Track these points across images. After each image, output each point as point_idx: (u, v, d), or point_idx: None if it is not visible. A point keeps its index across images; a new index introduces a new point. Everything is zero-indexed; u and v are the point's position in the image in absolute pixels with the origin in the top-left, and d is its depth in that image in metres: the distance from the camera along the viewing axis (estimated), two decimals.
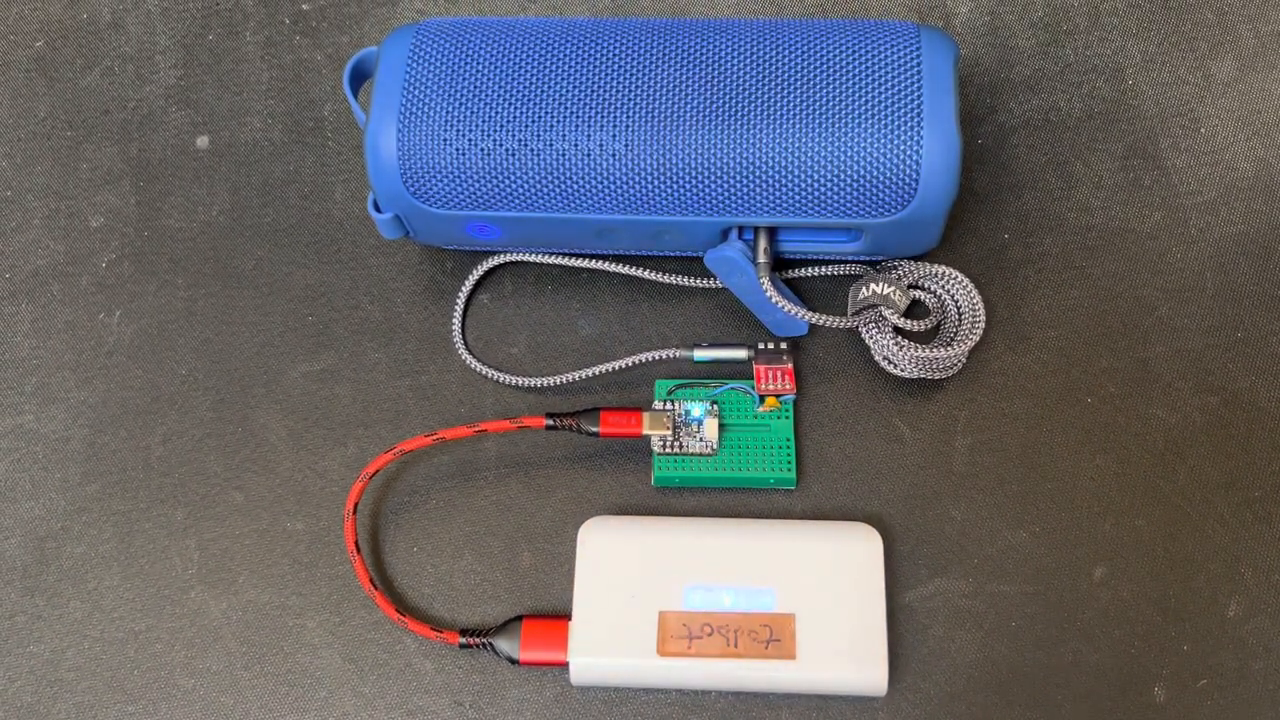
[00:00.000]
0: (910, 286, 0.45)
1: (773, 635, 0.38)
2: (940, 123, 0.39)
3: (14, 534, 0.43)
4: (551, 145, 0.40)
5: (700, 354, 0.44)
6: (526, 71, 0.40)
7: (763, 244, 0.42)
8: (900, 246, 0.43)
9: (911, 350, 0.43)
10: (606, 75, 0.40)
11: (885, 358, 0.44)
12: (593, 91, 0.40)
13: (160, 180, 0.49)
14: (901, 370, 0.43)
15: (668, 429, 0.42)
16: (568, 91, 0.40)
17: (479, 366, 0.45)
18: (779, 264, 0.46)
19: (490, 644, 0.40)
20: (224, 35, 0.52)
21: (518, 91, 0.40)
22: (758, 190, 0.40)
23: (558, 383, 0.44)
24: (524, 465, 0.43)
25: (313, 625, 0.41)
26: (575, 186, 0.41)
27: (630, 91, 0.40)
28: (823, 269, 0.45)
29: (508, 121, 0.40)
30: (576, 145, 0.40)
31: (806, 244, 0.44)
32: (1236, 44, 0.50)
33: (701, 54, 0.40)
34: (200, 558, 0.42)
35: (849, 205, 0.40)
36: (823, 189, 0.40)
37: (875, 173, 0.39)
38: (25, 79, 0.51)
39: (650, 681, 0.39)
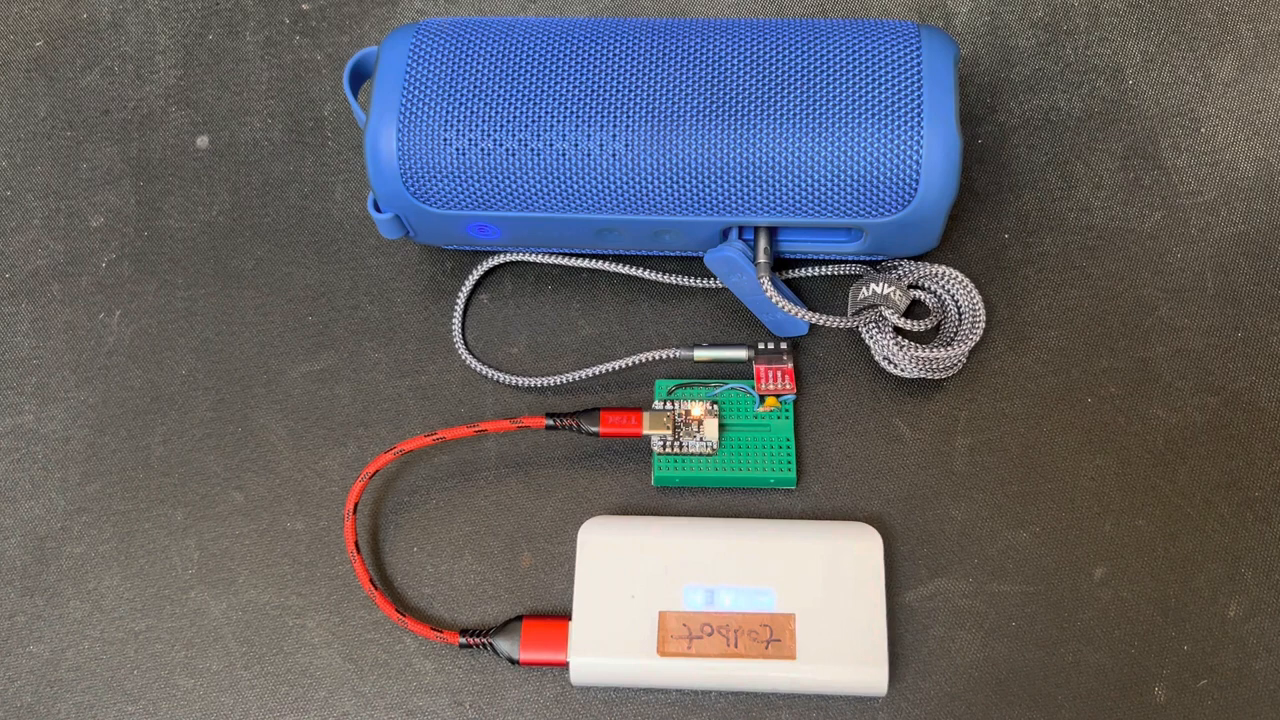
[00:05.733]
0: (910, 286, 0.45)
1: (773, 635, 0.38)
2: (940, 122, 0.39)
3: (14, 534, 0.43)
4: (551, 145, 0.40)
5: (700, 354, 0.44)
6: (526, 71, 0.40)
7: (763, 244, 0.42)
8: (900, 246, 0.43)
9: (911, 350, 0.43)
10: (606, 75, 0.40)
11: (885, 358, 0.44)
12: (593, 91, 0.40)
13: (160, 180, 0.49)
14: (901, 370, 0.43)
15: (668, 429, 0.42)
16: (568, 91, 0.40)
17: (479, 366, 0.45)
18: (779, 264, 0.46)
19: (490, 644, 0.40)
20: (224, 35, 0.52)
21: (518, 91, 0.40)
22: (758, 190, 0.40)
23: (558, 383, 0.44)
24: (524, 465, 0.43)
25: (313, 625, 0.41)
26: (575, 186, 0.41)
27: (630, 91, 0.40)
28: (823, 269, 0.45)
29: (508, 121, 0.40)
30: (576, 145, 0.40)
31: (806, 244, 0.44)
32: (1236, 44, 0.50)
33: (701, 54, 0.40)
34: (200, 558, 0.42)
35: (849, 205, 0.40)
36: (823, 189, 0.40)
37: (875, 172, 0.39)
38: (25, 79, 0.51)
39: (650, 681, 0.39)
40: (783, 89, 0.40)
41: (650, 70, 0.40)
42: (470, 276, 0.46)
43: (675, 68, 0.40)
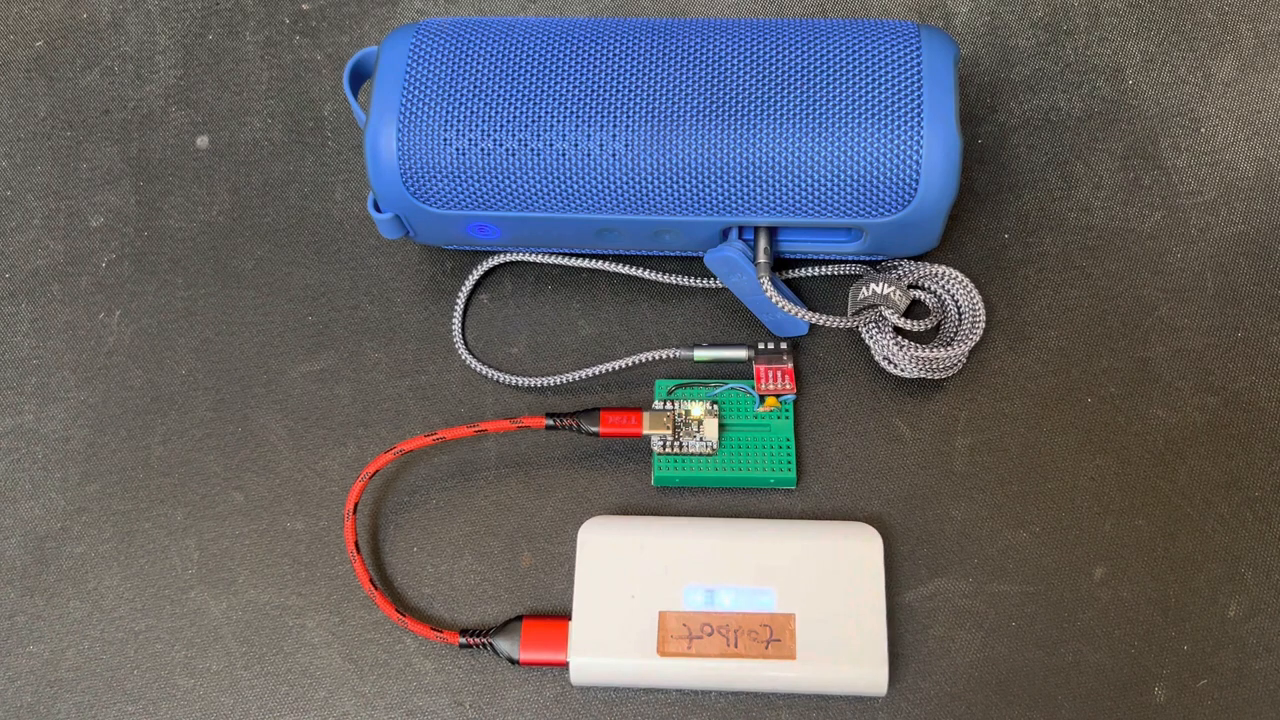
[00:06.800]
0: (910, 286, 0.45)
1: (773, 635, 0.38)
2: (940, 122, 0.39)
3: (14, 534, 0.43)
4: (551, 145, 0.40)
5: (700, 354, 0.44)
6: (526, 71, 0.40)
7: (763, 244, 0.42)
8: (900, 246, 0.43)
9: (911, 350, 0.43)
10: (606, 75, 0.40)
11: (885, 358, 0.44)
12: (593, 91, 0.40)
13: (160, 180, 0.49)
14: (901, 370, 0.43)
15: (668, 429, 0.42)
16: (568, 91, 0.40)
17: (479, 366, 0.45)
18: (779, 264, 0.46)
19: (490, 644, 0.40)
20: (224, 35, 0.52)
21: (518, 91, 0.40)
22: (758, 190, 0.40)
23: (558, 383, 0.44)
24: (524, 465, 0.43)
25: (313, 625, 0.41)
26: (575, 186, 0.41)
27: (630, 91, 0.40)
28: (823, 269, 0.45)
29: (508, 121, 0.40)
30: (576, 145, 0.40)
31: (806, 244, 0.44)
32: (1236, 44, 0.50)
33: (701, 54, 0.40)
34: (200, 558, 0.42)
35: (849, 205, 0.40)
36: (823, 189, 0.40)
37: (875, 172, 0.39)
38: (25, 79, 0.51)
39: (650, 681, 0.39)
40: (783, 89, 0.40)
41: (650, 70, 0.40)
42: (470, 276, 0.46)
43: (675, 68, 0.40)
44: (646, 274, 0.46)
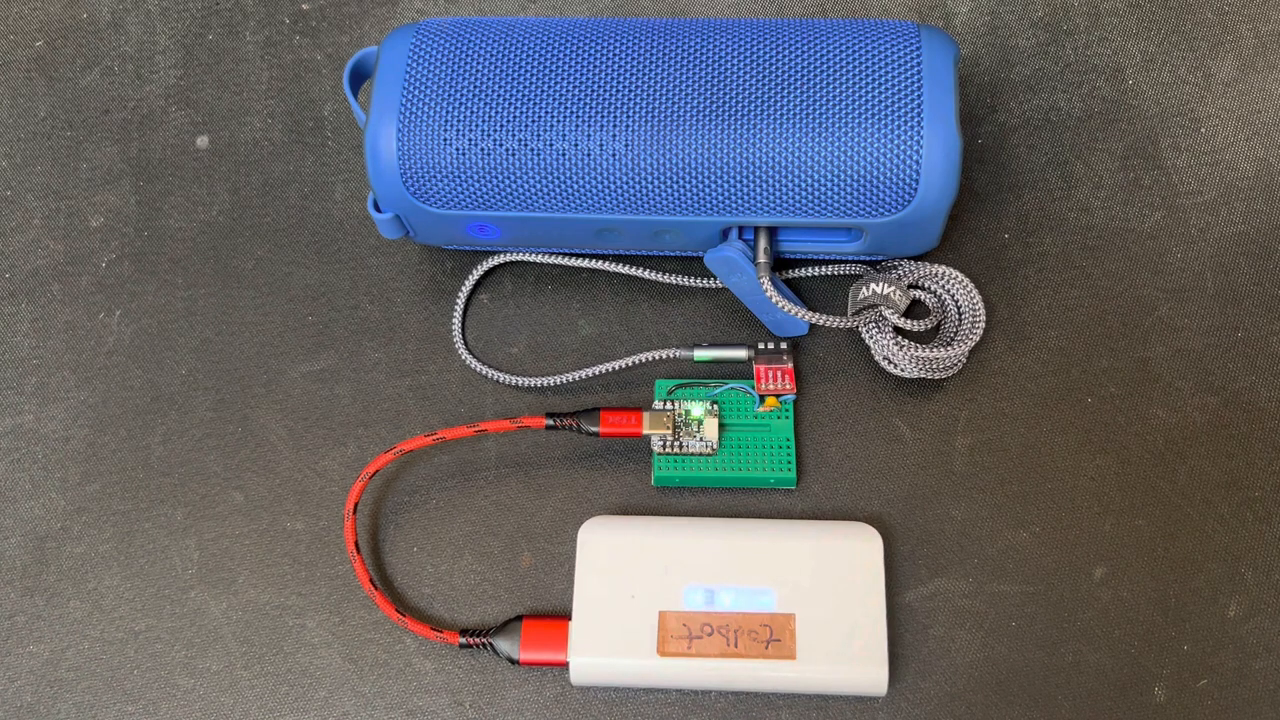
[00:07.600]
0: (910, 286, 0.45)
1: (773, 635, 0.38)
2: (940, 122, 0.39)
3: (14, 534, 0.43)
4: (551, 145, 0.40)
5: (700, 354, 0.44)
6: (526, 71, 0.40)
7: (763, 244, 0.42)
8: (900, 246, 0.43)
9: (911, 350, 0.43)
10: (606, 75, 0.40)
11: (885, 358, 0.44)
12: (593, 91, 0.40)
13: (160, 180, 0.49)
14: (901, 370, 0.43)
15: (668, 429, 0.42)
16: (568, 91, 0.40)
17: (479, 366, 0.45)
18: (779, 264, 0.46)
19: (490, 644, 0.40)
20: (224, 35, 0.52)
21: (518, 91, 0.40)
22: (758, 190, 0.40)
23: (558, 383, 0.44)
24: (524, 465, 0.43)
25: (313, 625, 0.41)
26: (575, 186, 0.41)
27: (630, 91, 0.40)
28: (823, 269, 0.45)
29: (508, 121, 0.40)
30: (576, 145, 0.40)
31: (806, 244, 0.44)
32: (1236, 44, 0.50)
33: (701, 54, 0.41)
34: (200, 558, 0.42)
35: (849, 205, 0.40)
36: (823, 189, 0.40)
37: (875, 172, 0.39)
38: (25, 79, 0.51)
39: (650, 681, 0.39)
40: (783, 89, 0.40)
41: (650, 70, 0.40)
42: (470, 276, 0.46)
43: (675, 68, 0.40)
44: (646, 274, 0.46)
